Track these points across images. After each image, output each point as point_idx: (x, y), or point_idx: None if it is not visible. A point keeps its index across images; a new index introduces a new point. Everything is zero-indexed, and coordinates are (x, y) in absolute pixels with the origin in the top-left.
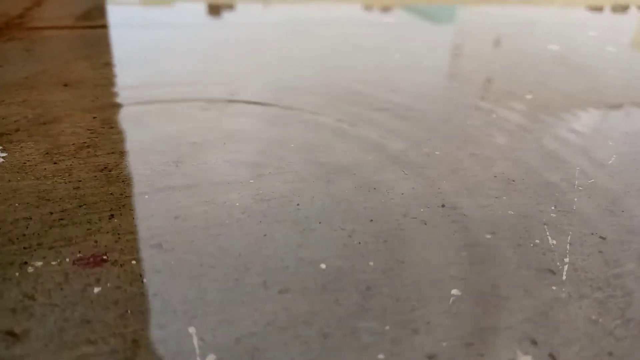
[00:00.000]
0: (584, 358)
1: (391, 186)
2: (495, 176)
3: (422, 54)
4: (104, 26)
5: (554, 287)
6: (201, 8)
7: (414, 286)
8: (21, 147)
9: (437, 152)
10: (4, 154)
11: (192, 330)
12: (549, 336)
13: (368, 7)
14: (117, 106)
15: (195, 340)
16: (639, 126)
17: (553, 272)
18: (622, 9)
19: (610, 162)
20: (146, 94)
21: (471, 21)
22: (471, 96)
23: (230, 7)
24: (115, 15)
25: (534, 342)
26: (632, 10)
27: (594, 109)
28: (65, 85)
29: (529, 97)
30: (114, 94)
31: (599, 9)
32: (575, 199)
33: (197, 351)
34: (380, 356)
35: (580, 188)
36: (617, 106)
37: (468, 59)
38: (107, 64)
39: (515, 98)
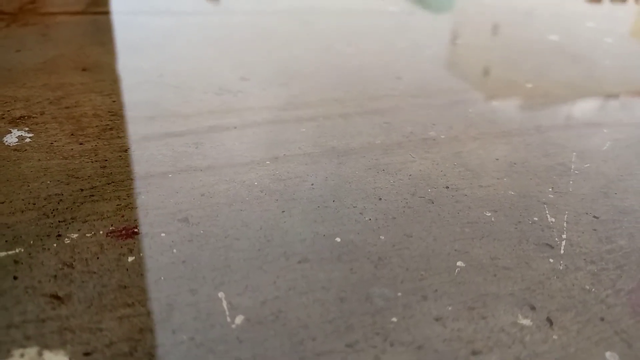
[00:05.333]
0: (579, 322)
1: (399, 168)
2: (497, 159)
3: (425, 42)
4: (114, 12)
5: (551, 260)
6: None
7: (422, 258)
8: (46, 128)
9: (442, 136)
10: (31, 135)
11: (221, 294)
12: (546, 302)
13: None
14: (136, 90)
15: (224, 304)
16: (633, 114)
17: (551, 247)
18: (621, 0)
19: (605, 148)
20: (163, 79)
21: (470, 10)
22: (473, 84)
23: None
24: (122, 1)
25: (533, 308)
26: (630, 1)
27: (590, 98)
28: (84, 69)
29: (529, 85)
30: (132, 79)
31: (597, 0)
32: (571, 182)
33: (227, 312)
34: (394, 319)
35: (576, 171)
36: (612, 95)
37: (470, 48)
38: (122, 49)
39: (516, 86)
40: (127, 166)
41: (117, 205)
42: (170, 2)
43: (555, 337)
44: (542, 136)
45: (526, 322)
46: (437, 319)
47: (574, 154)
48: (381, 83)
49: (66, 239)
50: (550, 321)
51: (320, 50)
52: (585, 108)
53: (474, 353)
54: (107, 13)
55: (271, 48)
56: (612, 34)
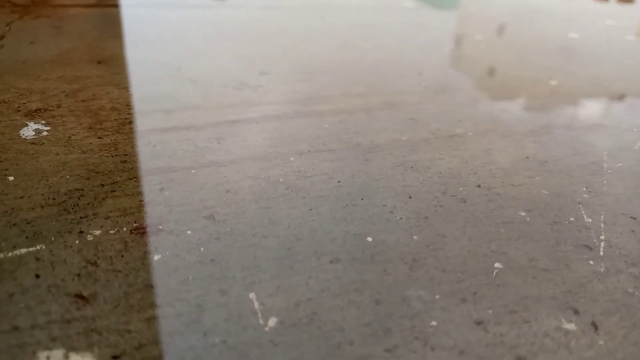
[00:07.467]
0: (624, 327)
1: (427, 166)
2: (527, 157)
3: (444, 38)
4: (127, 5)
5: (591, 262)
6: None
7: (458, 259)
8: (63, 121)
9: (469, 134)
10: (48, 128)
11: (252, 295)
12: (589, 306)
13: None
14: (154, 84)
15: (256, 305)
16: None
17: (590, 248)
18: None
19: (636, 147)
20: (180, 72)
21: (485, 8)
22: (497, 80)
23: None
24: None
25: (576, 312)
26: (638, 2)
27: (616, 96)
28: (99, 62)
29: (553, 82)
30: (149, 72)
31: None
32: (605, 181)
33: (260, 314)
34: (433, 323)
35: (609, 171)
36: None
37: (490, 44)
38: (137, 43)
39: (540, 84)
40: (149, 161)
41: (140, 201)
42: None
43: (601, 342)
44: (570, 134)
45: (570, 326)
46: (477, 323)
47: (605, 152)
48: (402, 78)
49: (88, 236)
50: (595, 326)
51: (338, 45)
52: (612, 106)
53: (519, 359)
54: (119, 6)
55: (288, 43)
56: (633, 32)
